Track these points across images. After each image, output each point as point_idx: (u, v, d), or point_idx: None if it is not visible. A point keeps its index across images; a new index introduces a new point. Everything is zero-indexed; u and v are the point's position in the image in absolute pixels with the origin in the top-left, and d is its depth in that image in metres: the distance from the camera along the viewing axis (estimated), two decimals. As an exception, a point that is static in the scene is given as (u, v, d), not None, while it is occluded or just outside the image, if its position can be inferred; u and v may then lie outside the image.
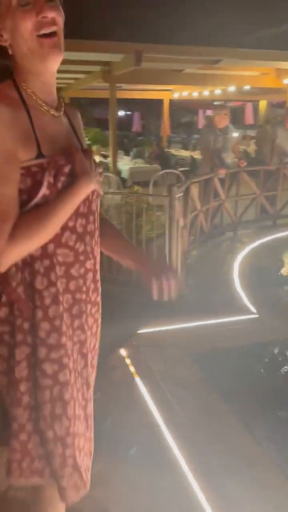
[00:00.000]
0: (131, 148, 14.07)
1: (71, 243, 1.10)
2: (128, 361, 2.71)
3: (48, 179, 0.99)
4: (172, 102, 16.15)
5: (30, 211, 1.00)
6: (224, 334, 3.08)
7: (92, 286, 1.20)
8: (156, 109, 19.21)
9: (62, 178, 1.01)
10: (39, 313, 1.06)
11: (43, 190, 1.00)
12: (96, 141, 12.88)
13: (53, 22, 0.99)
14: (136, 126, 19.91)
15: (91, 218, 1.13)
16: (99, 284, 1.24)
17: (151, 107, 20.77)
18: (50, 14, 0.98)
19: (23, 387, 1.08)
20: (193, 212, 4.74)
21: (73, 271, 1.12)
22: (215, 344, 2.93)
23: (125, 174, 9.94)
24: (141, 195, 4.02)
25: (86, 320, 1.19)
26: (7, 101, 0.99)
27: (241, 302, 3.59)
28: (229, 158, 5.51)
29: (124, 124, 22.41)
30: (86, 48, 7.47)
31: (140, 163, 10.72)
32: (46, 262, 1.06)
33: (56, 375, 1.09)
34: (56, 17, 1.00)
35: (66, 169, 1.02)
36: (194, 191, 4.66)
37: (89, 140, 13.13)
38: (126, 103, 20.66)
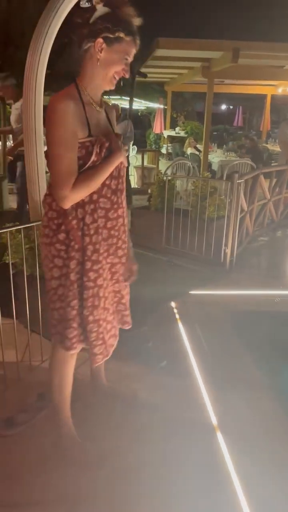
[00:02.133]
0: (227, 142, 14.37)
1: (108, 195, 1.70)
2: (175, 310, 3.35)
3: (96, 150, 1.59)
4: (279, 97, 15.94)
5: (84, 171, 1.58)
6: (265, 302, 3.55)
7: (122, 228, 1.79)
8: (259, 104, 19.06)
9: (104, 150, 1.62)
10: (87, 239, 1.66)
11: (93, 158, 1.59)
12: (193, 134, 13.39)
13: (124, 75, 1.63)
14: (237, 121, 20.02)
15: (120, 180, 1.73)
16: (126, 227, 1.84)
17: (255, 102, 20.62)
18: (127, 75, 1.63)
19: (72, 287, 1.69)
20: (261, 200, 5.14)
21: (110, 214, 1.72)
22: (254, 308, 3.43)
23: (215, 167, 10.36)
24: (204, 179, 4.55)
25: (115, 250, 1.81)
26: (72, 98, 1.55)
27: (289, 281, 3.99)
28: (308, 152, 5.73)
29: (226, 118, 22.56)
30: (188, 46, 8.08)
31: (232, 157, 11.03)
32: (92, 206, 1.65)
33: (95, 280, 1.71)
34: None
35: (107, 145, 1.63)
36: (264, 180, 5.05)
37: (186, 133, 13.71)
38: (229, 98, 20.79)
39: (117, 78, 1.63)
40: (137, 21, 1.58)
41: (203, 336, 2.97)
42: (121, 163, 1.71)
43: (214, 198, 4.29)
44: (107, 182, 1.68)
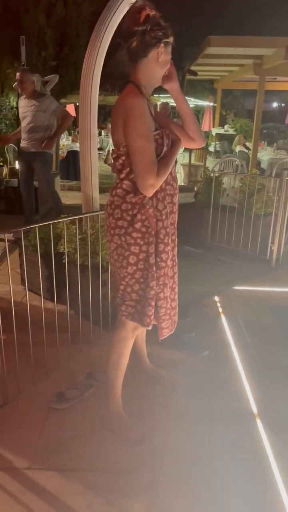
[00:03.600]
0: (279, 140, 14.09)
1: (171, 182, 1.90)
2: (218, 304, 3.42)
3: (166, 141, 1.79)
4: None
5: (159, 161, 1.75)
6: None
7: (177, 211, 1.99)
8: (313, 100, 18.48)
9: (168, 141, 1.81)
10: (160, 224, 1.85)
11: (165, 149, 1.79)
12: (242, 131, 13.26)
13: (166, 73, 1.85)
14: (289, 118, 19.49)
15: (175, 167, 1.93)
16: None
17: (308, 99, 20.02)
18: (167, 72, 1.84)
19: (151, 269, 1.86)
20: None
21: (174, 199, 1.93)
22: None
23: (264, 165, 10.22)
24: (252, 176, 4.56)
25: (174, 231, 1.99)
26: (141, 96, 1.75)
27: None
28: None
29: (277, 116, 22.02)
30: (239, 43, 8.05)
31: (282, 155, 10.82)
32: (162, 194, 1.85)
33: (166, 260, 1.91)
34: None
35: (170, 136, 1.84)
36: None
37: (235, 130, 13.59)
38: (281, 95, 20.28)
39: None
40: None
41: (246, 329, 3.03)
42: None
43: (261, 195, 4.29)
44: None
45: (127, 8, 2.99)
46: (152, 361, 2.50)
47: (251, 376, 2.50)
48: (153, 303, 1.91)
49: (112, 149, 1.84)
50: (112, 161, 1.86)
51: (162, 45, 1.73)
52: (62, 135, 12.78)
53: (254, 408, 2.25)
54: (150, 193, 1.74)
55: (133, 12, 1.72)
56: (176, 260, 2.07)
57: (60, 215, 2.91)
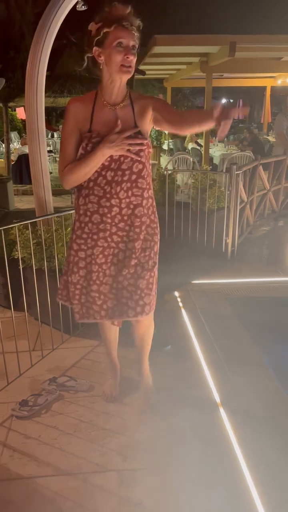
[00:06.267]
0: (229, 136, 14.41)
1: (102, 185, 1.83)
2: (178, 299, 3.47)
3: (83, 145, 1.79)
4: (278, 89, 15.91)
5: (75, 160, 1.82)
6: (263, 289, 3.66)
7: (118, 217, 1.87)
8: (259, 96, 19.07)
9: (90, 145, 1.78)
10: (76, 217, 1.95)
11: (80, 150, 1.81)
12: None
13: (130, 62, 1.70)
14: (238, 114, 20.00)
15: (119, 172, 1.81)
16: (126, 217, 1.88)
17: (255, 95, 20.64)
18: (130, 58, 1.69)
19: (68, 253, 2.00)
20: (261, 191, 5.24)
21: (102, 202, 1.84)
22: (253, 294, 3.55)
23: (216, 160, 10.43)
24: (202, 172, 4.65)
25: (110, 236, 1.89)
26: (84, 100, 1.82)
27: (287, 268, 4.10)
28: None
29: (226, 112, 22.51)
30: (185, 41, 8.16)
31: (233, 150, 11.08)
32: (86, 191, 1.86)
33: (77, 252, 1.94)
34: (133, 59, 1.71)
35: (94, 140, 1.77)
36: (263, 171, 5.15)
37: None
38: (229, 91, 20.79)
39: (126, 64, 1.71)
40: (115, 9, 1.69)
41: (206, 321, 3.09)
42: (124, 156, 1.79)
43: (213, 190, 4.39)
44: (103, 173, 1.82)
45: (68, 9, 2.98)
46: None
47: (213, 367, 2.56)
48: (62, 281, 2.08)
49: None
50: None
51: (94, 47, 1.73)
52: (13, 138, 12.52)
53: (217, 398, 2.30)
54: (63, 185, 1.89)
55: None
56: (112, 259, 1.96)
57: None
